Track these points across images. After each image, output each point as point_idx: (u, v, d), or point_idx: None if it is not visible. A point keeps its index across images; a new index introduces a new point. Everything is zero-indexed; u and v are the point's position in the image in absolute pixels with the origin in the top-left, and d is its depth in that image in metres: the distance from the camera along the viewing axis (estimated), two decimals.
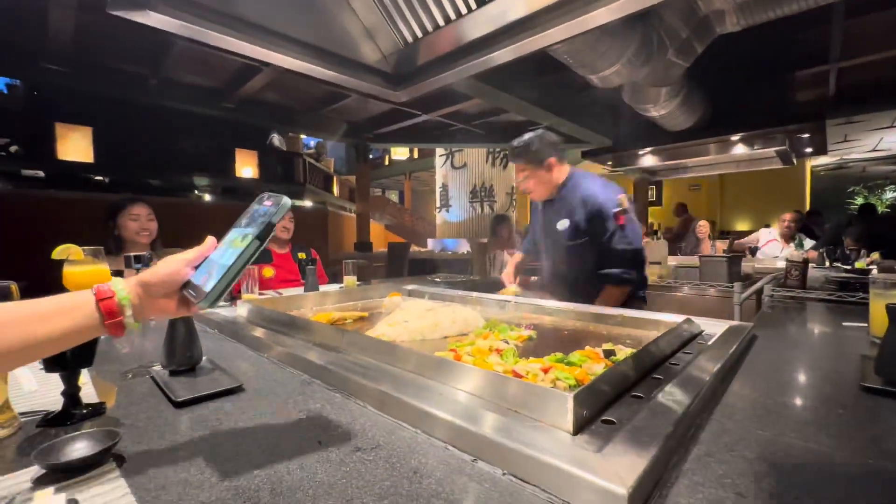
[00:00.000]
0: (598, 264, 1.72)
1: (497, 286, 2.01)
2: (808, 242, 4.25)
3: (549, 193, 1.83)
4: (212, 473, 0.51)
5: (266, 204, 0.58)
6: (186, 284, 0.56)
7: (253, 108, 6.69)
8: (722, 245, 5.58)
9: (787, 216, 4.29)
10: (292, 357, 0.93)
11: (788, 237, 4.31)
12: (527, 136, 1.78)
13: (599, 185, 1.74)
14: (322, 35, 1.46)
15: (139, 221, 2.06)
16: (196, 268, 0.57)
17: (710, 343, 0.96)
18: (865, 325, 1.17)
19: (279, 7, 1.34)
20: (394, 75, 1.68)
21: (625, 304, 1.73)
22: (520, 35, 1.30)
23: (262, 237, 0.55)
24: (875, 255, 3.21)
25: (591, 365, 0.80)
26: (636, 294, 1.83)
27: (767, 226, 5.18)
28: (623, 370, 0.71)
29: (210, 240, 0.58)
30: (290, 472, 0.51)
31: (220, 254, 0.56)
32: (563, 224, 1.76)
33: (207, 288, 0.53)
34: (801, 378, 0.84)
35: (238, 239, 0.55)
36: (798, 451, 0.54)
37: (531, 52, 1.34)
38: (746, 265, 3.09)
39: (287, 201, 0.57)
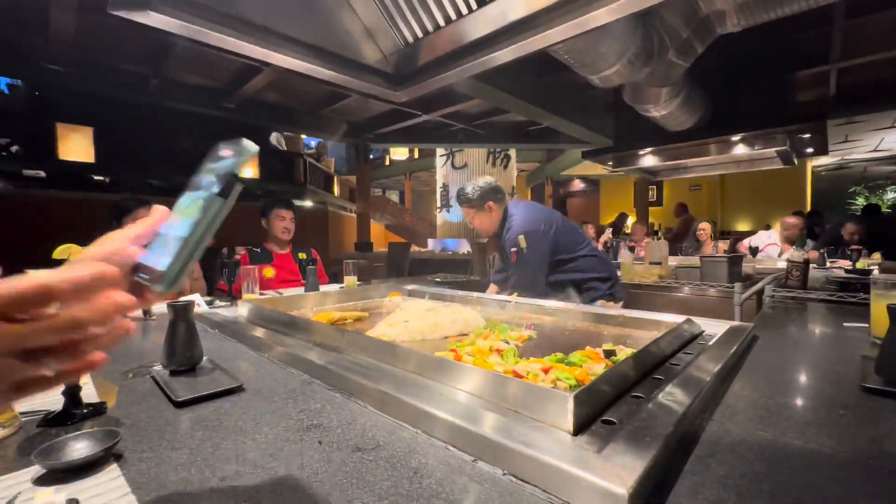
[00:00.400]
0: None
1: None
2: (810, 242, 4.23)
3: (494, 229, 2.13)
4: (212, 473, 0.51)
5: (224, 154, 0.47)
6: (136, 268, 0.44)
7: (253, 108, 6.70)
8: (723, 246, 5.57)
9: (793, 220, 4.19)
10: (293, 357, 0.93)
11: (793, 241, 4.29)
12: (469, 186, 2.09)
13: (517, 221, 2.02)
14: (322, 35, 1.46)
15: None
16: (146, 246, 0.45)
17: (710, 343, 0.96)
18: (866, 325, 1.17)
19: (280, 7, 1.35)
20: (394, 75, 1.68)
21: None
22: (520, 35, 1.30)
23: (224, 193, 0.44)
24: (877, 256, 3.21)
25: (591, 365, 0.80)
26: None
27: (768, 226, 5.17)
28: (623, 370, 0.71)
29: (158, 209, 0.47)
30: (291, 472, 0.51)
31: (171, 225, 0.45)
32: (509, 254, 2.07)
33: (162, 266, 0.42)
34: (802, 378, 0.84)
35: (188, 204, 0.45)
36: (799, 451, 0.54)
37: (531, 52, 1.34)
38: (747, 266, 3.09)
39: (249, 146, 0.46)
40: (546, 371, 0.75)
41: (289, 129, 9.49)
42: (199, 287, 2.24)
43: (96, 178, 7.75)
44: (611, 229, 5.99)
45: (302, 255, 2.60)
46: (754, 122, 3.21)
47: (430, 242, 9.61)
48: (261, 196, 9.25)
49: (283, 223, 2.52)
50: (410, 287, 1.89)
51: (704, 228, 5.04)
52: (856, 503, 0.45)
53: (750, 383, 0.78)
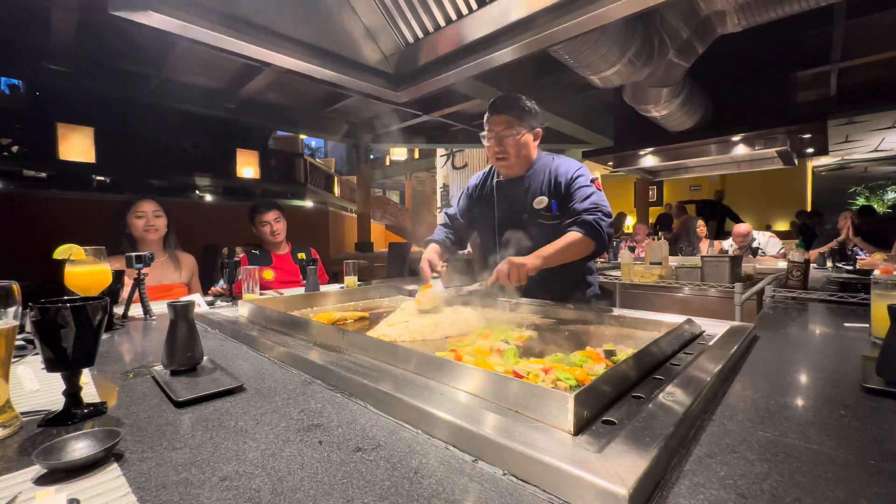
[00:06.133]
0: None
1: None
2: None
3: (521, 168, 1.65)
4: (212, 473, 0.51)
5: None
6: None
7: (254, 108, 6.70)
8: (720, 245, 5.58)
9: (743, 229, 4.44)
10: (293, 357, 0.93)
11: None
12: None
13: (570, 161, 1.67)
14: (323, 36, 1.46)
15: (145, 219, 2.05)
16: None
17: (711, 343, 0.96)
18: (867, 325, 1.17)
19: (280, 7, 1.35)
20: (395, 76, 1.68)
21: (572, 287, 1.63)
22: (521, 35, 1.31)
23: None
24: (879, 255, 3.21)
25: (591, 365, 0.80)
26: (587, 271, 1.73)
27: (768, 227, 5.20)
28: (624, 370, 0.71)
29: None
30: (291, 472, 0.51)
31: None
32: (541, 202, 1.61)
33: None
34: (803, 379, 0.84)
35: None
36: (799, 451, 0.54)
37: (532, 52, 1.34)
38: (747, 266, 3.09)
39: None
40: (546, 371, 0.75)
41: (289, 129, 9.49)
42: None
43: (97, 178, 7.75)
44: None
45: (301, 256, 2.59)
46: (755, 122, 3.21)
47: None
48: (259, 196, 9.26)
49: (267, 228, 2.47)
50: (411, 287, 1.89)
51: (701, 225, 5.06)
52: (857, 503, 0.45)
53: (750, 383, 0.78)
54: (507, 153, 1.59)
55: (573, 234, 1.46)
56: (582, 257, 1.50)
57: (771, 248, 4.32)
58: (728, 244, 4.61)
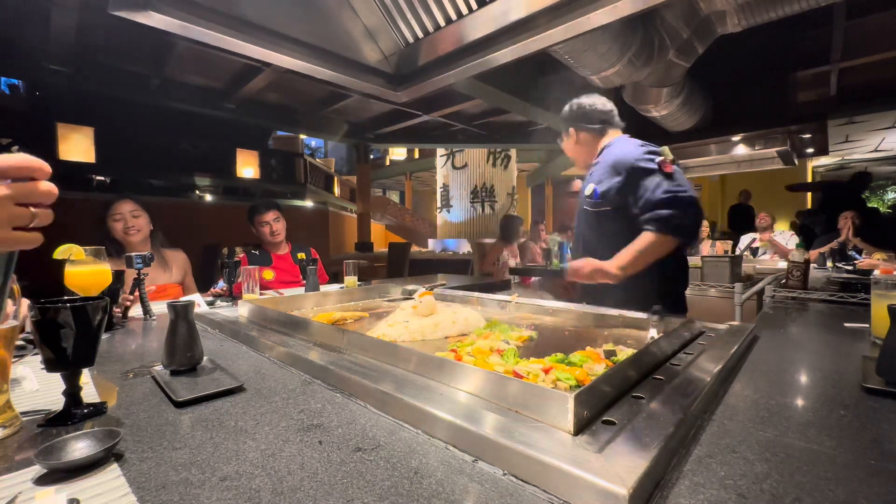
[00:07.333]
0: (624, 235, 1.45)
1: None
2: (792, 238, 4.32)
3: (585, 165, 1.72)
4: (212, 473, 0.51)
5: None
6: None
7: (254, 108, 6.71)
8: (723, 245, 5.57)
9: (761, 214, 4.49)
10: (293, 357, 0.93)
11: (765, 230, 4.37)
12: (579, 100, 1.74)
13: (633, 145, 1.53)
14: (323, 35, 1.47)
15: (123, 220, 1.95)
16: None
17: (711, 344, 0.96)
18: (867, 325, 1.17)
19: (280, 7, 1.35)
20: (395, 75, 1.69)
21: (661, 291, 1.43)
22: (520, 35, 1.31)
23: None
24: (879, 255, 3.21)
25: (591, 365, 0.80)
26: (679, 260, 1.58)
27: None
28: (624, 371, 0.71)
29: None
30: (291, 472, 0.51)
31: None
32: (588, 189, 1.60)
33: None
34: (803, 379, 0.84)
35: None
36: (799, 451, 0.54)
37: (531, 52, 1.34)
38: (747, 266, 3.09)
39: None
40: (546, 371, 0.75)
41: (289, 129, 9.50)
42: None
43: (97, 178, 7.74)
44: None
45: (301, 256, 2.59)
46: (755, 122, 3.21)
47: (431, 242, 9.62)
48: (259, 196, 9.25)
49: (266, 228, 2.45)
50: (411, 287, 1.89)
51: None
52: None
53: (750, 383, 0.78)
54: (570, 156, 1.81)
55: (647, 236, 1.38)
56: (666, 255, 1.40)
57: (793, 245, 4.30)
58: (749, 238, 4.57)
